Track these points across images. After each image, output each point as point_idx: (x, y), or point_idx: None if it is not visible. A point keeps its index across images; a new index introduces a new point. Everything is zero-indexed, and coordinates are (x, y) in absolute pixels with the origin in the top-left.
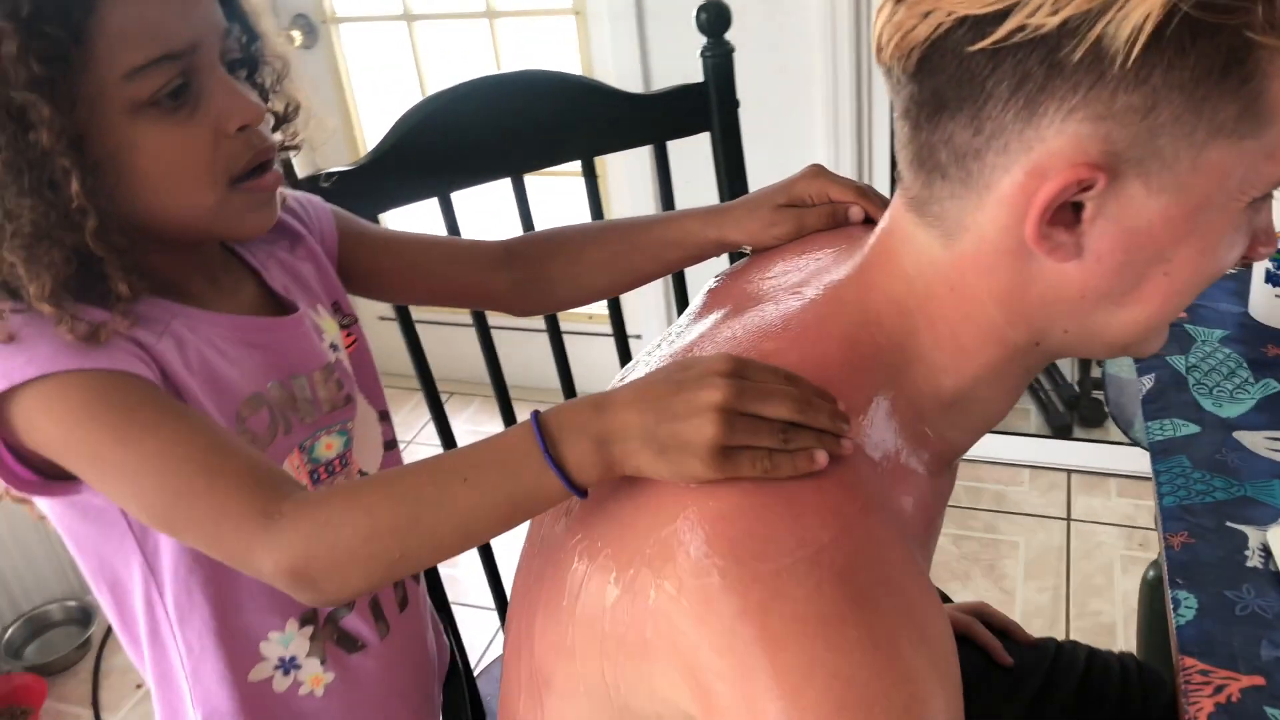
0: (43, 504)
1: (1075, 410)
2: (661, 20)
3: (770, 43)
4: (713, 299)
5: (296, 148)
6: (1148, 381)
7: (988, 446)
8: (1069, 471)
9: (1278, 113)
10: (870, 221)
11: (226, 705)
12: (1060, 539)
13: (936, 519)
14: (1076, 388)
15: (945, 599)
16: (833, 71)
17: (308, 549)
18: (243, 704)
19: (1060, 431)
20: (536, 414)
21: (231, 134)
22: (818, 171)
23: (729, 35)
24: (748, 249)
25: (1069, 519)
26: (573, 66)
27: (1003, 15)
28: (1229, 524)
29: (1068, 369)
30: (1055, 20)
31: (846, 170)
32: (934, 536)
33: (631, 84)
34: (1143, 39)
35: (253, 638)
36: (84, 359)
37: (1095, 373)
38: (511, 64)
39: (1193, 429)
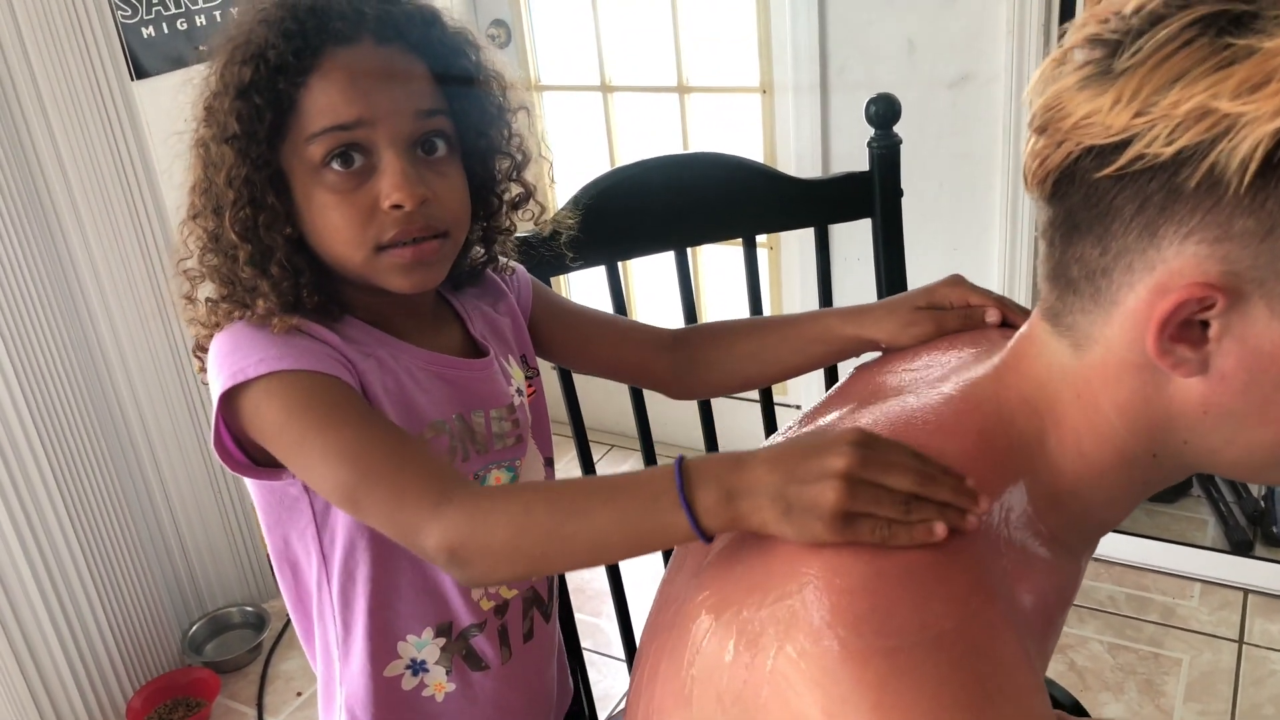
0: (248, 484)
1: (1259, 526)
2: (843, 98)
3: (953, 128)
4: (855, 383)
5: (510, 230)
6: None
7: (1157, 555)
8: (1246, 591)
9: None
10: (1009, 326)
11: (362, 691)
12: (1229, 662)
13: (1056, 618)
14: (1262, 503)
15: (1078, 706)
16: (1013, 159)
17: (469, 532)
18: (375, 692)
19: (1240, 547)
20: (681, 458)
21: (386, 209)
22: (958, 280)
23: (914, 119)
24: (884, 349)
25: (1241, 641)
26: (757, 141)
27: (1124, 145)
28: None
29: None
30: (1170, 150)
31: (1024, 257)
32: (1053, 634)
33: (811, 159)
34: (1254, 166)
35: (394, 636)
36: (301, 362)
37: None
38: (699, 136)
39: None
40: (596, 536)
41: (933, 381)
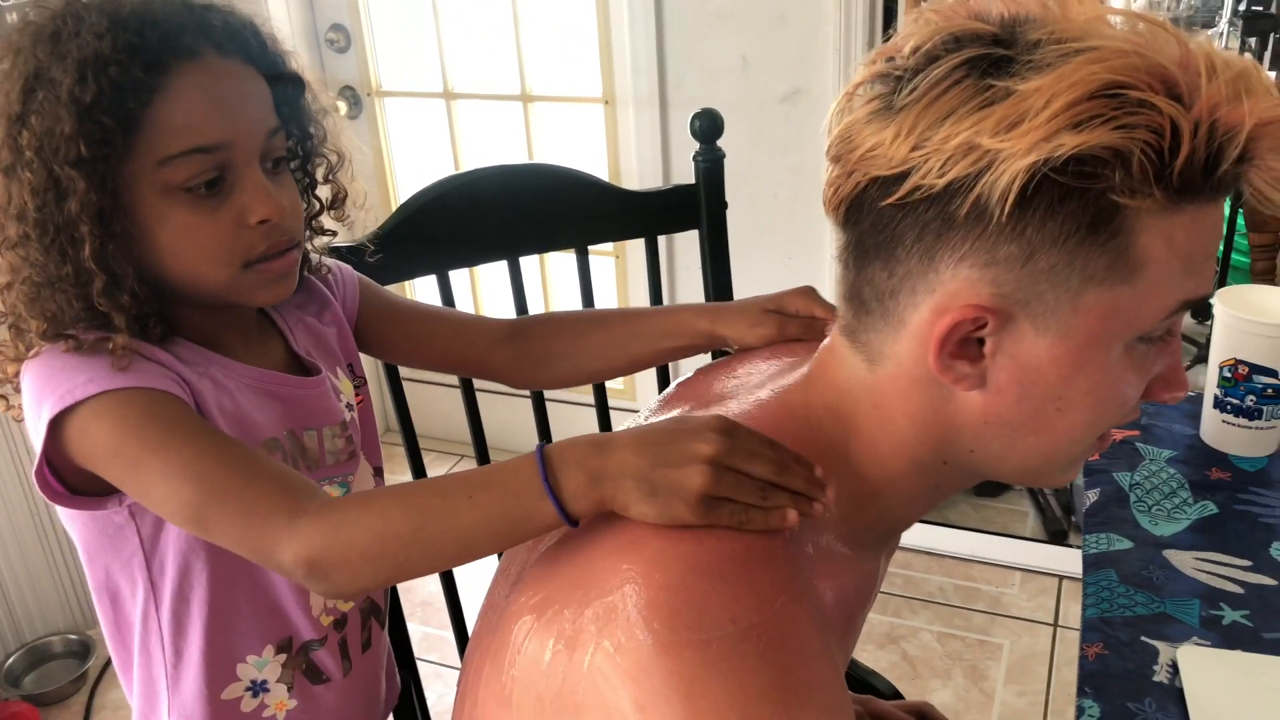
0: (63, 515)
1: (1072, 516)
2: (681, 112)
3: (786, 142)
4: (683, 390)
5: (334, 232)
6: (1092, 495)
7: (981, 547)
8: (1060, 577)
9: (1146, 264)
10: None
11: (198, 718)
12: (1045, 645)
13: (857, 614)
14: (1074, 494)
15: (896, 694)
16: None
17: (325, 543)
18: (211, 718)
19: (1055, 537)
20: (542, 445)
21: (252, 225)
22: (808, 291)
23: (748, 133)
24: (733, 346)
25: (1056, 625)
26: (600, 152)
27: (904, 176)
28: (1143, 638)
29: None
30: (942, 181)
31: None
32: (854, 630)
33: (653, 171)
34: (1012, 197)
35: (233, 658)
36: (133, 379)
37: None
38: (545, 146)
39: (1126, 544)
40: (462, 536)
41: (752, 388)
